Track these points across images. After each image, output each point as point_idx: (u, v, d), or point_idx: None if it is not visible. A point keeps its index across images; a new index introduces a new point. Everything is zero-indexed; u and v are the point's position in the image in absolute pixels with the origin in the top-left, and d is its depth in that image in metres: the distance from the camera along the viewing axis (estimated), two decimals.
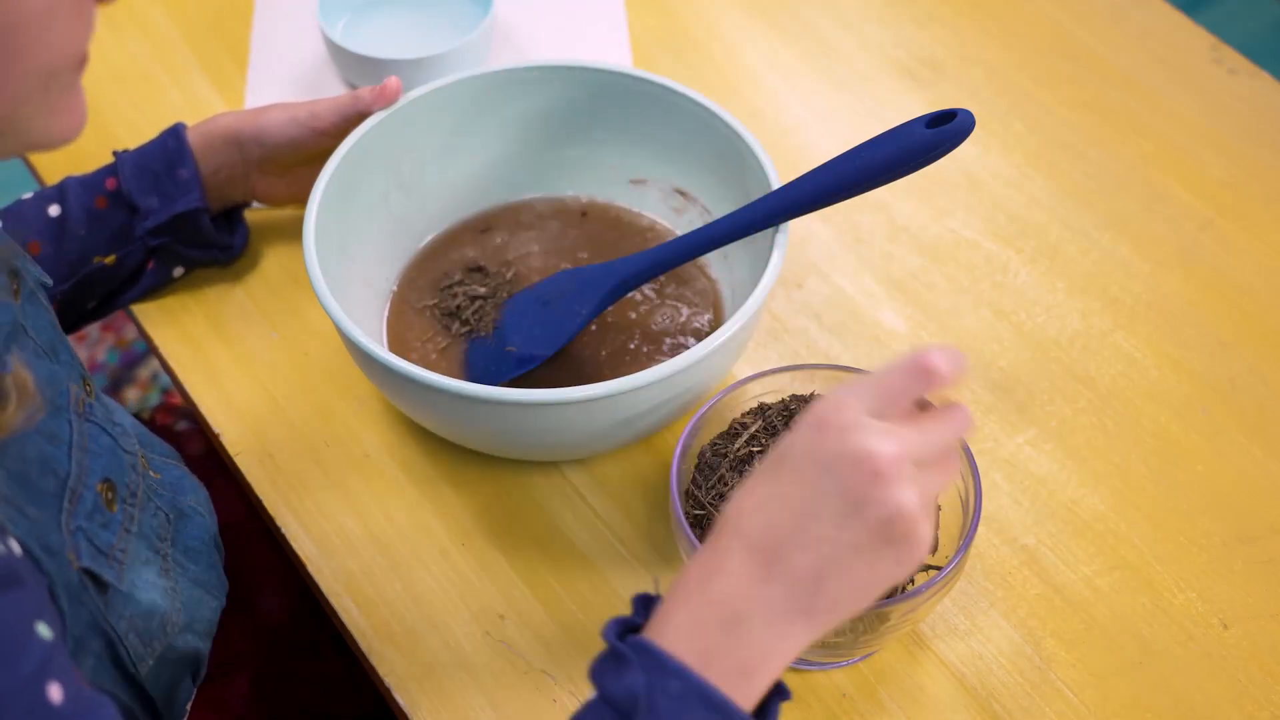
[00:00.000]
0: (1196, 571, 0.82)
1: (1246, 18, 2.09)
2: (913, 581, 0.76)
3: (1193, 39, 1.12)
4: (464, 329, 0.91)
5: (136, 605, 0.69)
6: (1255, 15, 2.11)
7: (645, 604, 0.60)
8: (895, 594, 0.72)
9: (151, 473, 0.76)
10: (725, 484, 0.76)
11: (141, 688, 0.70)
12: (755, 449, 0.77)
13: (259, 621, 0.91)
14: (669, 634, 0.57)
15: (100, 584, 0.66)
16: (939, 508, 0.78)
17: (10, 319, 0.66)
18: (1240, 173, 1.03)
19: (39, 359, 0.68)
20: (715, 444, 0.79)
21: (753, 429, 0.78)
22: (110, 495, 0.68)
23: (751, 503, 0.58)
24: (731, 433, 0.79)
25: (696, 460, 0.78)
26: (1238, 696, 0.77)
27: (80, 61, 0.56)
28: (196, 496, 0.81)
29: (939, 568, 0.76)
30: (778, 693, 0.58)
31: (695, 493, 0.77)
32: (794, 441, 0.57)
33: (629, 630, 0.59)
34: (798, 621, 0.56)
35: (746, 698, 0.56)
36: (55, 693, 0.52)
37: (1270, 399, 0.90)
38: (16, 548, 0.55)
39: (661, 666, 0.55)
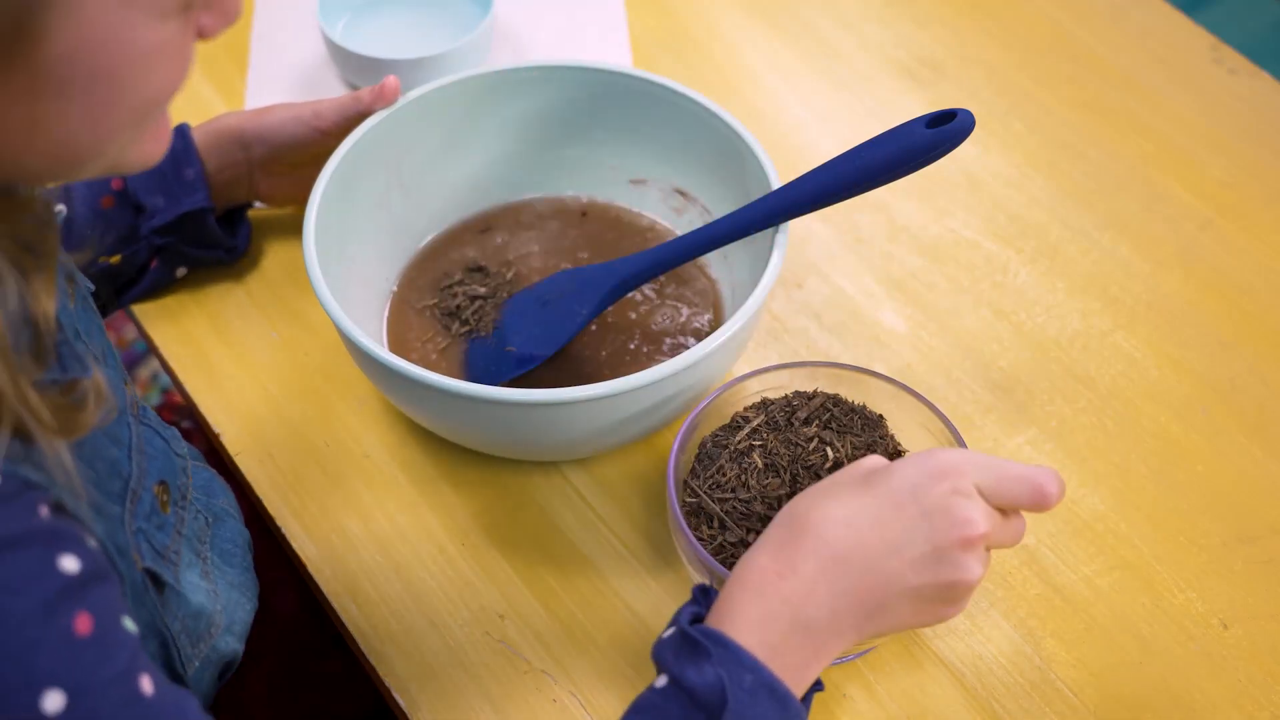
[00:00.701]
0: (1196, 571, 0.82)
1: (1246, 18, 2.09)
2: None
3: (1193, 39, 1.13)
4: (464, 329, 0.91)
5: (188, 606, 0.70)
6: (1255, 15, 2.11)
7: (705, 593, 0.64)
8: None
9: (189, 480, 0.77)
10: (723, 474, 0.76)
11: (187, 688, 0.70)
12: (756, 442, 0.77)
13: (270, 620, 0.91)
14: (740, 627, 0.60)
15: (159, 584, 0.67)
16: None
17: (70, 322, 0.66)
18: (1240, 173, 1.03)
19: (98, 362, 0.69)
20: (716, 435, 0.79)
21: (755, 423, 0.78)
22: (165, 497, 0.69)
23: (839, 513, 0.61)
24: (734, 425, 0.79)
25: (696, 451, 0.79)
26: (1238, 696, 0.77)
27: (174, 93, 0.57)
28: (227, 499, 0.81)
29: None
30: (813, 686, 0.63)
31: (692, 483, 0.77)
32: (902, 475, 0.61)
33: (697, 619, 0.62)
34: (850, 635, 0.61)
35: (799, 690, 0.61)
36: (147, 684, 0.53)
37: (1270, 399, 0.90)
38: (96, 545, 0.56)
39: (738, 660, 0.59)
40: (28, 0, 0.47)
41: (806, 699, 0.63)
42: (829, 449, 0.77)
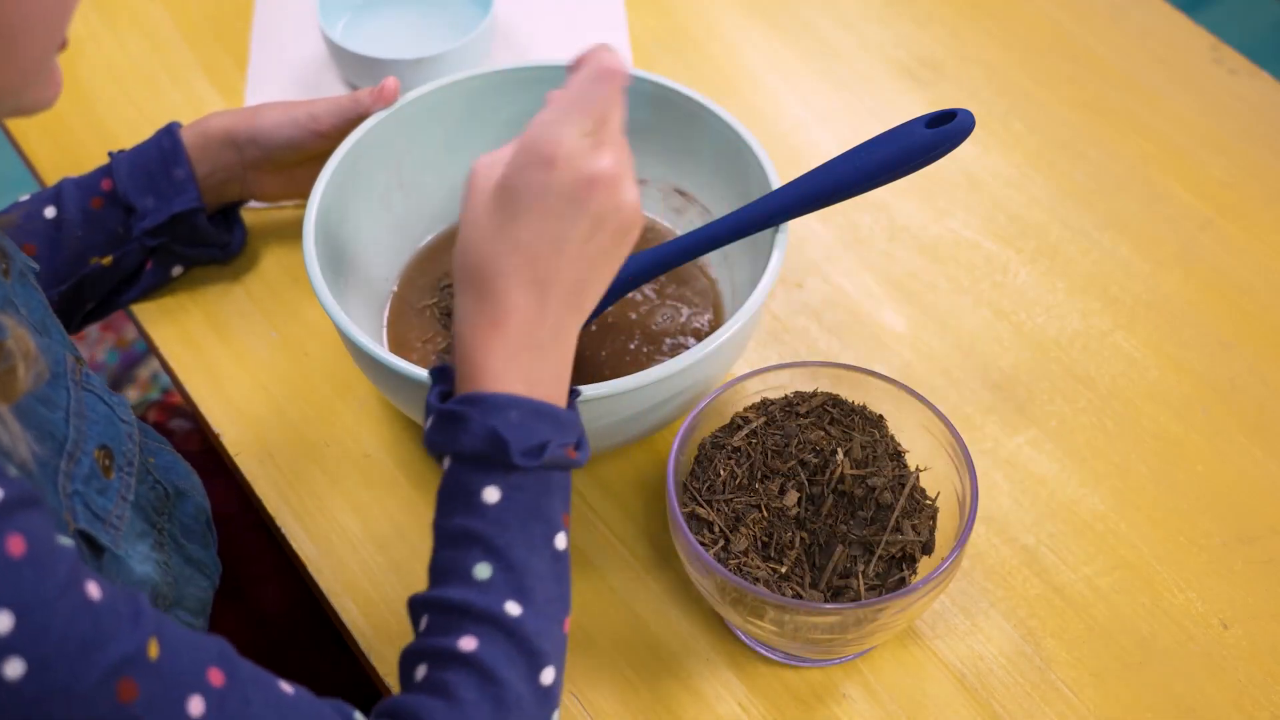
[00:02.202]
0: (1196, 571, 0.82)
1: (1246, 18, 2.09)
2: (905, 581, 0.76)
3: (1193, 39, 1.13)
4: None
5: (130, 574, 0.70)
6: (1255, 15, 2.11)
7: (442, 372, 0.68)
8: (886, 593, 0.72)
9: (148, 458, 0.77)
10: (718, 474, 0.76)
11: None
12: (755, 443, 0.78)
13: (256, 612, 0.91)
14: (489, 378, 0.64)
15: (96, 548, 0.67)
16: (897, 451, 0.79)
17: (1, 294, 0.67)
18: (1240, 173, 1.03)
19: (32, 333, 0.69)
20: (715, 436, 0.79)
21: (755, 424, 0.78)
22: (107, 462, 0.70)
23: (502, 245, 0.64)
24: (733, 426, 0.79)
25: (696, 452, 0.79)
26: (1238, 696, 0.77)
27: (63, 42, 0.61)
28: (190, 481, 0.81)
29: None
30: (571, 394, 0.68)
31: (691, 485, 0.77)
32: (523, 181, 0.64)
33: (445, 396, 0.66)
34: (575, 319, 0.66)
35: (562, 397, 0.66)
36: (94, 589, 0.53)
37: (1270, 399, 0.90)
38: (20, 476, 0.56)
39: (496, 406, 0.63)
40: None
41: (572, 405, 0.67)
42: (831, 448, 0.77)
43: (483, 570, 0.63)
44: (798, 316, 0.94)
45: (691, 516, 0.76)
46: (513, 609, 0.62)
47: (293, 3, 1.15)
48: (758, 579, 0.74)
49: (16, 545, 0.51)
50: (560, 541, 0.65)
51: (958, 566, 0.72)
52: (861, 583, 0.75)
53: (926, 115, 0.77)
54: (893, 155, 0.76)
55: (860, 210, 1.00)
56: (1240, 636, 0.79)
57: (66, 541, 0.54)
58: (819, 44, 1.13)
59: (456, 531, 0.64)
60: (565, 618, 0.65)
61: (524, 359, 0.64)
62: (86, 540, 0.66)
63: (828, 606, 0.71)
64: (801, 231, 0.99)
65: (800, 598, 0.74)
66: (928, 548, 0.76)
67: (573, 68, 0.66)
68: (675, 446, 0.76)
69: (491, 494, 0.63)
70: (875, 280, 0.97)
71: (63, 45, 0.61)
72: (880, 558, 0.75)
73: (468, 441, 0.63)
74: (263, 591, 0.92)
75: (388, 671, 0.78)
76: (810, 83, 1.10)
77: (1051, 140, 1.05)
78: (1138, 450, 0.87)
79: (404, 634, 0.79)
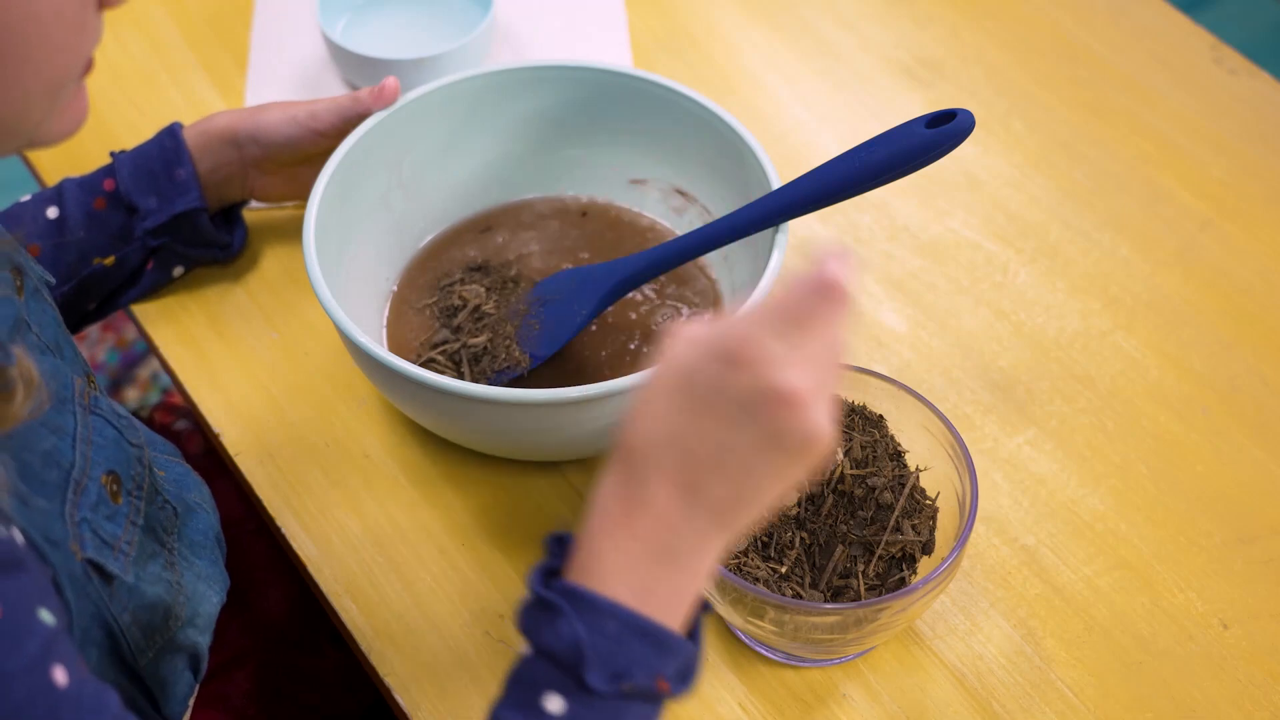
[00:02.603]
0: (1196, 571, 0.82)
1: (1246, 18, 2.09)
2: (905, 581, 0.76)
3: (1193, 39, 1.13)
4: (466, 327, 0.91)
5: (141, 598, 0.69)
6: (1255, 15, 2.11)
7: (560, 543, 0.60)
8: (885, 593, 0.72)
9: (157, 470, 0.76)
10: None
11: (141, 679, 0.70)
12: None
13: (259, 618, 0.91)
14: (602, 574, 0.57)
15: (105, 575, 0.66)
16: (903, 459, 0.78)
17: (14, 313, 0.66)
18: (1240, 173, 1.03)
19: (43, 354, 0.69)
20: None
21: None
22: (115, 487, 0.69)
23: (663, 434, 0.57)
24: None
25: None
26: (1238, 696, 0.77)
27: (85, 68, 0.58)
28: (200, 493, 0.81)
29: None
30: (701, 607, 0.60)
31: None
32: (701, 372, 0.57)
33: (552, 575, 0.59)
34: (720, 540, 0.58)
35: (680, 618, 0.58)
36: (60, 675, 0.52)
37: (1270, 399, 0.90)
38: (19, 537, 0.56)
39: (594, 608, 0.56)
40: None
41: (695, 631, 0.60)
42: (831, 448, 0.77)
43: None
44: None
45: None
46: None
47: (293, 3, 1.15)
48: (758, 579, 0.74)
49: None
50: None
51: (957, 566, 0.72)
52: (861, 583, 0.75)
53: (926, 115, 0.77)
54: (892, 155, 0.76)
55: (860, 210, 1.00)
56: (1240, 636, 0.79)
57: (47, 617, 0.53)
58: (819, 44, 1.13)
59: None
60: None
61: (646, 565, 0.57)
62: (96, 569, 0.65)
63: (828, 606, 0.71)
64: (801, 231, 0.99)
65: (800, 598, 0.74)
66: (928, 548, 0.76)
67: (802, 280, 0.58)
68: None
69: (555, 704, 0.56)
70: (875, 280, 0.97)
71: (86, 69, 0.58)
72: (880, 558, 0.75)
73: (549, 639, 0.57)
74: (265, 596, 0.92)
75: (388, 672, 0.78)
76: (810, 83, 1.10)
77: (1051, 140, 1.05)
78: (1138, 450, 0.87)
79: (404, 634, 0.79)
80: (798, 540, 0.76)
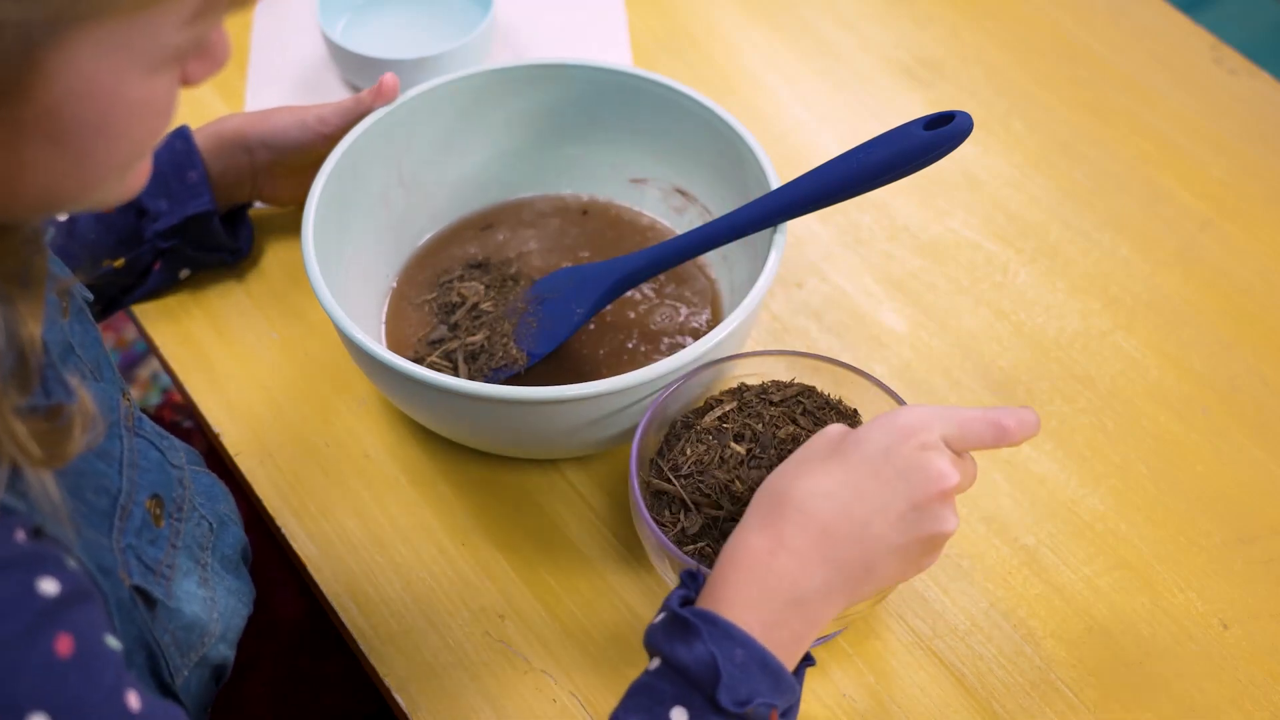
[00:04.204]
0: (1196, 571, 0.82)
1: (1246, 18, 2.09)
2: None
3: (1193, 39, 1.13)
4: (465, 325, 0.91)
5: (180, 618, 0.69)
6: (1255, 15, 2.11)
7: (693, 577, 0.65)
8: None
9: (192, 484, 0.76)
10: (684, 455, 0.77)
11: (176, 697, 0.70)
12: (726, 425, 0.78)
13: (271, 622, 0.91)
14: (735, 605, 0.61)
15: (149, 600, 0.66)
16: None
17: (62, 339, 0.66)
18: (1240, 173, 1.03)
19: (88, 379, 0.68)
20: (686, 417, 0.79)
21: (727, 407, 0.78)
22: (158, 511, 0.68)
23: (820, 486, 0.63)
24: (706, 407, 0.79)
25: (667, 430, 0.79)
26: (1238, 696, 0.77)
27: (158, 141, 0.57)
28: (227, 503, 0.80)
29: None
30: (804, 659, 0.65)
31: (658, 461, 0.78)
32: (872, 439, 0.63)
33: (686, 601, 0.64)
34: (841, 602, 0.63)
35: (793, 661, 0.63)
36: (134, 701, 0.53)
37: (1270, 399, 0.90)
38: (76, 566, 0.56)
39: (729, 636, 0.60)
40: (19, 54, 0.47)
41: (799, 673, 0.64)
42: (797, 432, 0.77)
43: None
44: (798, 316, 0.94)
45: (655, 494, 0.76)
46: None
47: (293, 3, 1.15)
48: (708, 559, 0.74)
49: (65, 646, 0.50)
50: None
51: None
52: None
53: (925, 117, 0.77)
54: (891, 157, 0.76)
55: (860, 210, 1.01)
56: (1240, 636, 0.79)
57: (114, 644, 0.54)
58: (819, 44, 1.13)
59: None
60: None
61: (775, 603, 0.62)
62: (141, 594, 0.65)
63: None
64: (801, 231, 0.99)
65: None
66: None
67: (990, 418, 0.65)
68: (646, 415, 0.76)
69: (680, 716, 0.60)
70: (875, 280, 0.97)
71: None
72: None
73: (685, 655, 0.60)
74: (279, 598, 0.92)
75: (387, 672, 0.78)
76: (810, 83, 1.10)
77: (1051, 140, 1.05)
78: (1138, 450, 0.87)
79: (404, 634, 0.79)
80: None
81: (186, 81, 0.54)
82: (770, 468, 0.74)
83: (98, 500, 0.63)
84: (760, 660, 0.60)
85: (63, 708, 0.49)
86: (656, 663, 0.62)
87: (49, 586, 0.51)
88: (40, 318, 0.55)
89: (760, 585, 0.62)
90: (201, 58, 0.54)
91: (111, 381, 0.71)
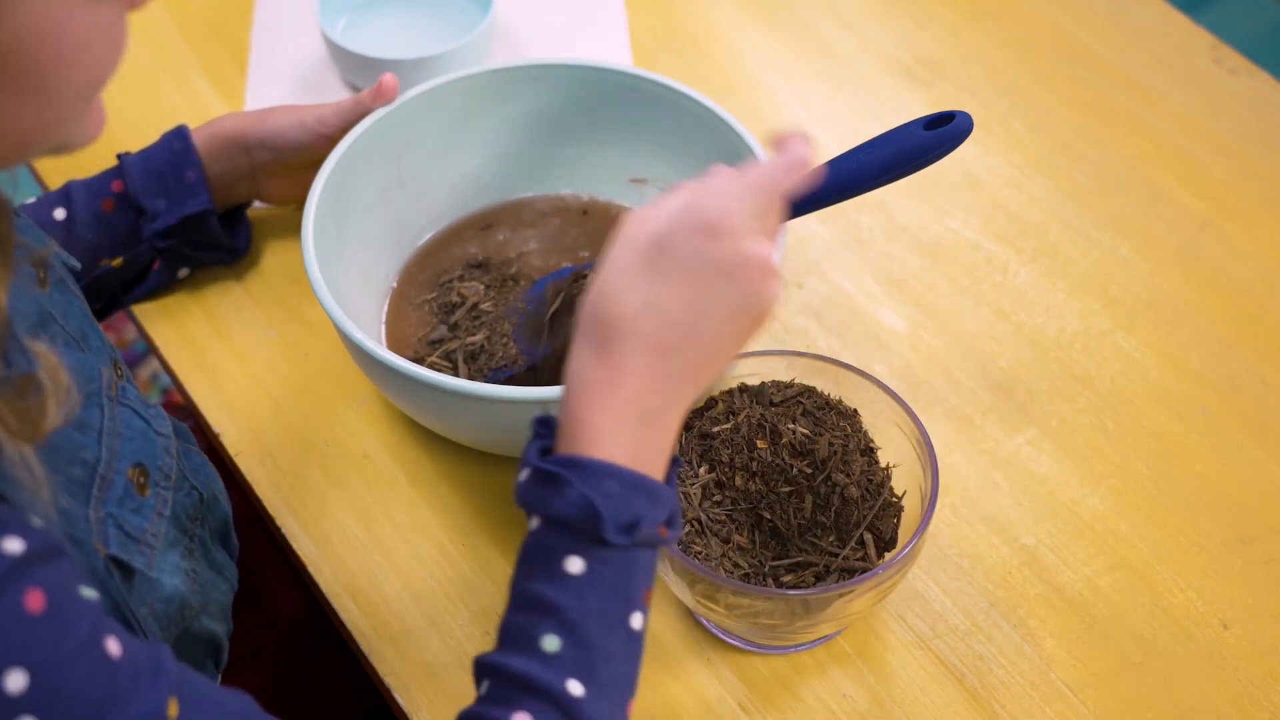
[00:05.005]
0: (1196, 571, 0.82)
1: (1246, 18, 2.09)
2: (851, 574, 0.76)
3: (1193, 39, 1.13)
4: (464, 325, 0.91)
5: (159, 590, 0.69)
6: (1255, 15, 2.11)
7: (544, 424, 0.64)
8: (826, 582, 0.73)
9: (183, 458, 0.76)
10: (686, 455, 0.77)
11: None
12: (716, 427, 0.78)
13: (275, 615, 0.91)
14: (594, 441, 0.61)
15: (126, 571, 0.66)
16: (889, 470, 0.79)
17: (37, 308, 0.66)
18: (1240, 173, 1.03)
19: (68, 348, 0.68)
20: (687, 419, 0.79)
21: (725, 407, 0.79)
22: (143, 480, 0.68)
23: (639, 301, 0.61)
24: (706, 407, 0.80)
25: None
26: (1238, 696, 0.77)
27: (113, 73, 0.58)
28: (216, 483, 0.81)
29: (868, 567, 0.76)
30: (672, 463, 0.64)
31: None
32: (680, 241, 0.61)
33: (545, 453, 0.63)
34: (689, 398, 0.63)
35: (661, 472, 0.63)
36: (114, 646, 0.53)
37: (1270, 399, 0.90)
38: (42, 525, 0.56)
39: (597, 473, 0.60)
40: None
41: (670, 479, 0.64)
42: (796, 431, 0.77)
43: (551, 643, 0.60)
44: (798, 316, 0.94)
45: None
46: (575, 688, 0.59)
47: (293, 3, 1.15)
48: (709, 559, 0.74)
49: (36, 601, 0.50)
50: (636, 621, 0.62)
51: (911, 561, 0.72)
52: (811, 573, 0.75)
53: (925, 117, 0.76)
54: (891, 157, 0.76)
55: (860, 210, 1.00)
56: (1240, 636, 0.79)
57: (89, 594, 0.53)
58: (819, 44, 1.13)
59: (532, 597, 0.61)
60: (629, 700, 0.62)
61: (632, 427, 0.61)
62: (118, 565, 0.65)
63: (774, 591, 0.72)
64: (801, 231, 0.99)
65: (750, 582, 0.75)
66: (889, 544, 0.76)
67: (770, 146, 0.65)
68: None
69: (575, 564, 0.60)
70: (875, 280, 0.96)
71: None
72: (834, 554, 0.76)
73: (560, 507, 0.60)
74: (280, 595, 0.92)
75: (387, 672, 0.78)
76: (810, 83, 1.10)
77: (1051, 140, 1.05)
78: (1138, 450, 0.87)
79: (404, 634, 0.79)
80: (756, 534, 0.76)
81: (132, 5, 0.56)
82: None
83: (71, 470, 0.63)
84: (634, 484, 0.60)
85: (40, 662, 0.50)
86: (536, 521, 0.62)
87: (13, 545, 0.51)
88: (5, 287, 0.55)
89: (612, 415, 0.61)
90: None
91: (100, 351, 0.71)
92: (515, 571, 0.62)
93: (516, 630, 0.60)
